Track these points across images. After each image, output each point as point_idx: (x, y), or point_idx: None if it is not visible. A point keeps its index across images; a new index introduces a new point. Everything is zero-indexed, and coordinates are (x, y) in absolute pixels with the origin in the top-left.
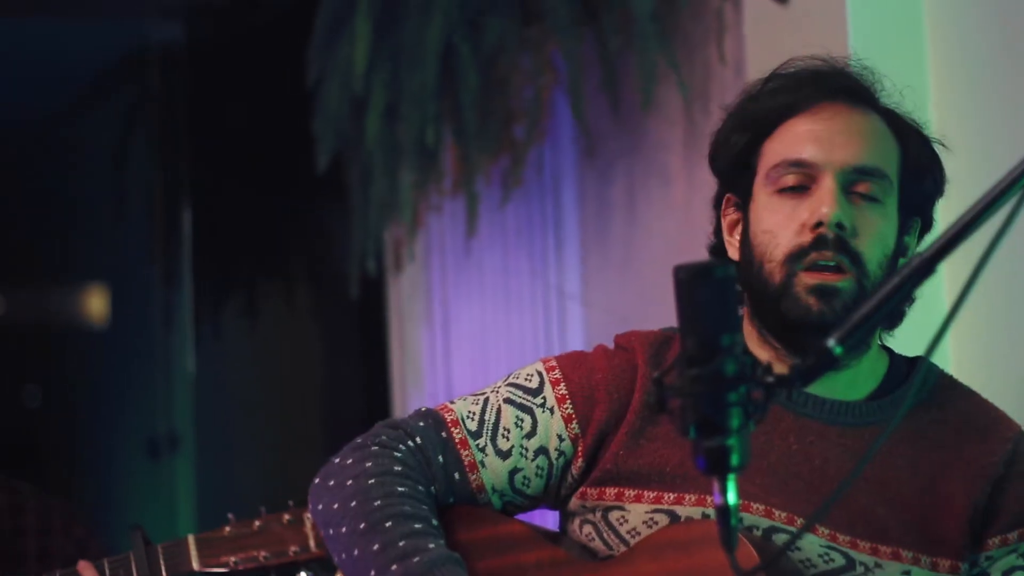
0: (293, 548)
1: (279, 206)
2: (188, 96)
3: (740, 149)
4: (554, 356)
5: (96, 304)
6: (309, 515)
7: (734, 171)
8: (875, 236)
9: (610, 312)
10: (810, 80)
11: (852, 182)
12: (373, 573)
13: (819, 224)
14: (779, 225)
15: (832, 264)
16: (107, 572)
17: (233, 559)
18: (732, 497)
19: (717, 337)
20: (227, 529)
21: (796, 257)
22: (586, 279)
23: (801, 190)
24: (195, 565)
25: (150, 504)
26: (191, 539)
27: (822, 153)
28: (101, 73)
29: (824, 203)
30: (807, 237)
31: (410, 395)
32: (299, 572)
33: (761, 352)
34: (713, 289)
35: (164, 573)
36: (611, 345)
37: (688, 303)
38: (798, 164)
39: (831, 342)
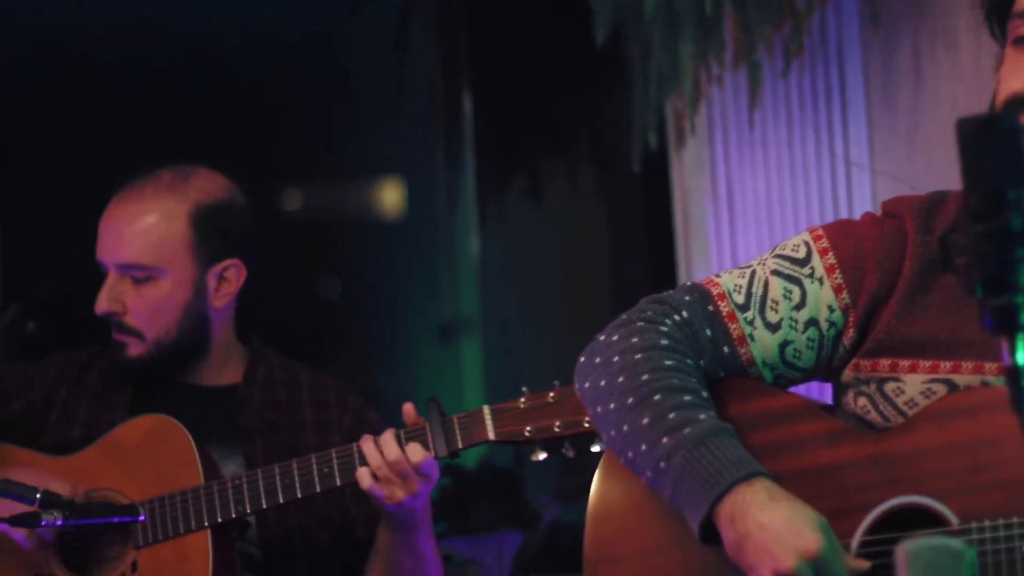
0: (588, 419)
1: (559, 82)
2: None
3: (994, 11)
4: (821, 225)
5: (387, 193)
6: None
7: (995, 34)
8: None
9: (898, 181)
10: None
11: None
12: (644, 448)
13: None
14: (1007, 73)
15: None
16: (403, 441)
17: (528, 428)
18: (1022, 357)
19: (1003, 191)
20: (521, 401)
21: (1015, 104)
22: (873, 148)
23: None
24: (490, 435)
25: (440, 387)
26: (486, 410)
27: None
28: None
29: None
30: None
31: (696, 271)
32: (594, 443)
33: None
34: (998, 141)
35: (459, 443)
36: (878, 212)
37: (972, 157)
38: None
39: None
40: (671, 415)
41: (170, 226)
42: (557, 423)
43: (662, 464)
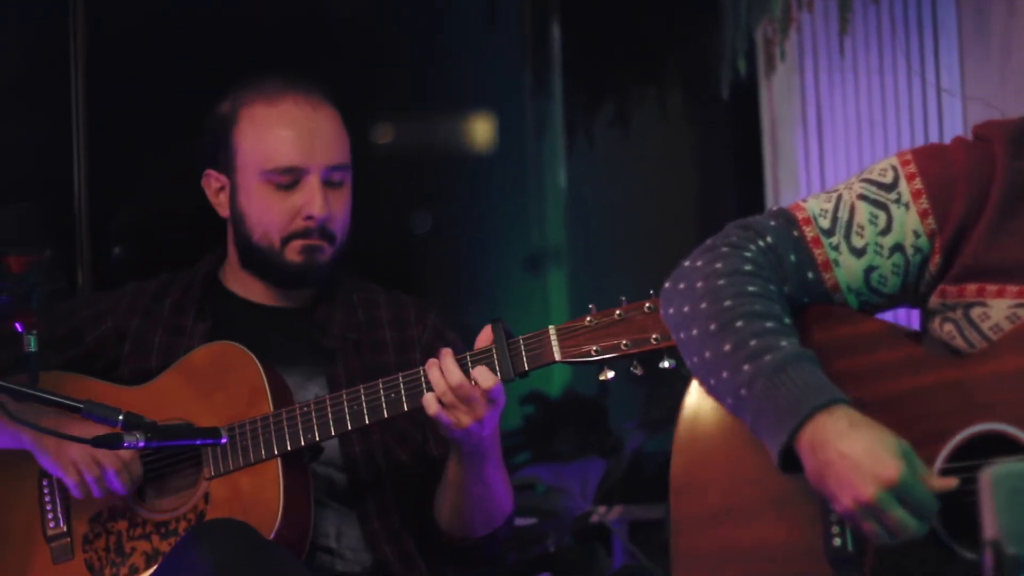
0: (654, 335)
1: (648, 8)
2: None
3: None
4: (910, 150)
5: (475, 124)
6: None
7: None
8: None
9: (990, 107)
10: None
11: None
12: (725, 374)
13: None
14: None
15: None
16: (470, 365)
17: (594, 347)
18: None
19: None
20: (588, 319)
21: None
22: (964, 74)
23: None
24: (556, 356)
25: (527, 317)
26: (552, 330)
27: None
28: None
29: None
30: None
31: (784, 199)
32: (662, 360)
33: None
34: None
35: (526, 365)
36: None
37: None
38: None
39: None
40: (752, 342)
41: (344, 127)
42: (624, 341)
43: (743, 391)
